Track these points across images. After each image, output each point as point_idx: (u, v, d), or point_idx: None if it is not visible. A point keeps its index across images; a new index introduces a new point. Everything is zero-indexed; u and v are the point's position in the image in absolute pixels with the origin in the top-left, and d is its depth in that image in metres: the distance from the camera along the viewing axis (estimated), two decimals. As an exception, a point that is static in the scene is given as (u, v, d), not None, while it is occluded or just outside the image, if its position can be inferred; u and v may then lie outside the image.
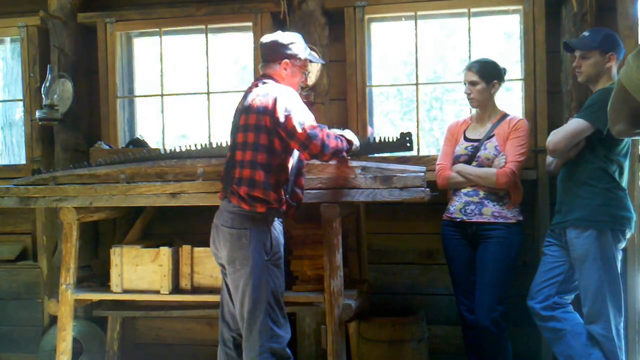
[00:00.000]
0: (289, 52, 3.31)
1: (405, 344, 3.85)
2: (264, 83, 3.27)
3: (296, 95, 3.23)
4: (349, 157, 3.47)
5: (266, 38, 3.36)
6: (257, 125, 3.14)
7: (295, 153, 3.27)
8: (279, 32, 3.46)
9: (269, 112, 3.12)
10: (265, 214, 3.15)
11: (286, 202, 3.22)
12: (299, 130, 3.09)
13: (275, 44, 3.31)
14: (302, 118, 3.12)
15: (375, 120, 4.74)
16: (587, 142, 3.46)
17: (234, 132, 3.29)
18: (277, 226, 3.26)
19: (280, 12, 4.41)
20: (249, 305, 3.13)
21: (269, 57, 3.33)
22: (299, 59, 3.34)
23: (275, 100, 3.12)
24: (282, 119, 3.10)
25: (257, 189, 3.11)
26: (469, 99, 3.82)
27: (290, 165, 3.24)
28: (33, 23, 4.84)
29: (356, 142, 3.45)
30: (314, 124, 3.16)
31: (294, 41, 3.33)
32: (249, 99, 3.22)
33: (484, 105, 3.80)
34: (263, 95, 3.16)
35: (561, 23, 4.14)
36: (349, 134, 3.44)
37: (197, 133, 6.82)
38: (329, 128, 3.50)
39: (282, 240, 3.29)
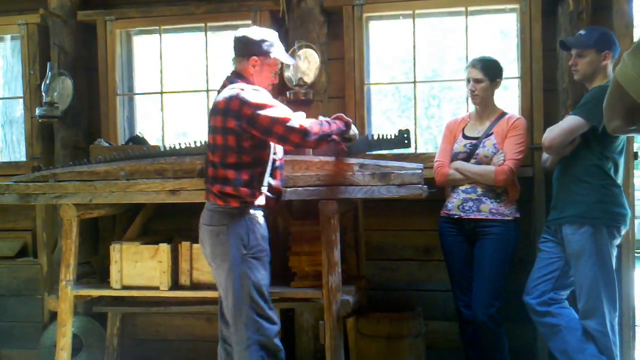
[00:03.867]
0: (258, 49, 3.27)
1: (403, 339, 3.88)
2: (232, 82, 3.25)
3: (262, 92, 3.21)
4: (342, 142, 3.42)
5: (239, 32, 3.32)
6: (223, 128, 3.14)
7: (270, 146, 3.26)
8: (254, 27, 3.41)
9: (235, 113, 3.10)
10: (240, 208, 3.17)
11: (264, 195, 3.24)
12: (273, 125, 3.09)
13: (246, 39, 3.27)
14: (273, 113, 3.10)
15: (374, 118, 4.75)
16: (583, 139, 3.49)
17: (208, 133, 3.31)
18: (258, 219, 3.26)
19: (279, 10, 4.43)
20: (232, 300, 3.18)
21: (239, 52, 3.30)
22: (269, 57, 3.29)
23: (240, 102, 3.10)
24: (253, 119, 3.09)
25: (228, 186, 3.14)
26: (472, 95, 3.84)
27: (265, 160, 3.23)
28: (33, 21, 4.86)
29: (354, 128, 3.42)
30: (287, 115, 3.13)
31: (267, 39, 3.29)
32: (216, 100, 3.22)
33: (485, 102, 3.83)
34: (228, 97, 3.15)
35: (557, 22, 4.17)
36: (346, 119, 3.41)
37: (196, 130, 6.86)
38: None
39: (264, 233, 3.29)
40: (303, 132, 3.11)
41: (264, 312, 3.20)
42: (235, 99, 3.12)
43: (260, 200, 3.23)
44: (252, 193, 3.17)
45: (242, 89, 3.15)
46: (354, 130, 3.42)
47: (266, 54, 3.28)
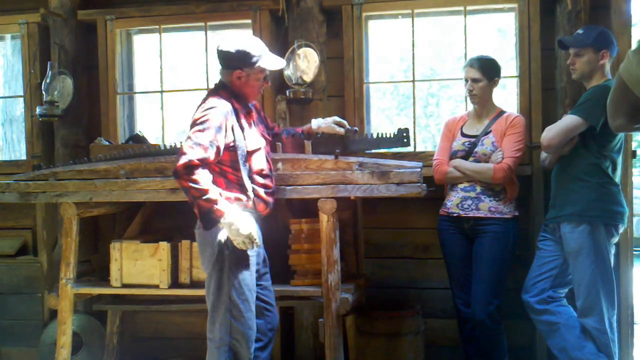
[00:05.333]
0: (241, 62, 3.22)
1: (402, 337, 3.90)
2: (215, 91, 3.27)
3: (210, 112, 3.12)
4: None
5: (219, 45, 3.26)
6: None
7: (239, 156, 3.22)
8: (234, 36, 3.30)
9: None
10: None
11: (250, 199, 3.24)
12: (183, 145, 3.06)
13: (226, 54, 3.22)
14: (191, 135, 3.06)
15: (372, 116, 4.77)
16: (581, 138, 3.50)
17: None
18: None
19: (278, 9, 4.45)
20: (211, 299, 3.20)
21: (223, 65, 3.29)
22: (254, 67, 3.24)
23: (193, 118, 3.14)
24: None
25: None
26: (470, 95, 3.85)
27: (231, 169, 3.20)
28: (33, 20, 4.87)
29: (236, 235, 3.06)
30: (187, 149, 3.01)
31: (248, 50, 3.21)
32: None
33: (483, 101, 3.84)
34: (195, 110, 3.19)
35: (555, 21, 4.18)
36: (236, 222, 3.05)
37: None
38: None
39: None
40: (176, 168, 3.01)
41: (241, 314, 3.18)
42: (194, 113, 3.17)
43: (248, 204, 3.24)
44: (233, 197, 3.17)
45: (202, 106, 3.17)
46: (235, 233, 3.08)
47: (250, 65, 3.23)
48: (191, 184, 2.99)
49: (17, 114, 5.32)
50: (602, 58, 3.54)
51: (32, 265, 4.94)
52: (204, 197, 3.00)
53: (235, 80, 3.26)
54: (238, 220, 3.05)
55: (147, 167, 3.77)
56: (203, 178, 3.01)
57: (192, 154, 3.00)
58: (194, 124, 3.10)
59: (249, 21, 4.57)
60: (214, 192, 3.03)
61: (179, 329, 4.81)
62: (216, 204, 3.01)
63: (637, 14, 4.81)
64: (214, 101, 3.19)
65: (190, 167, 2.99)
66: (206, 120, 3.09)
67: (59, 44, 4.72)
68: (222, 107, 3.17)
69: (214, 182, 3.10)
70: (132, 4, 4.84)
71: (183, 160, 2.99)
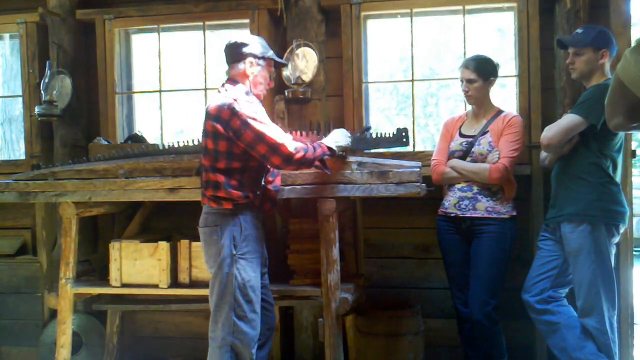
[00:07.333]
0: (253, 50, 3.28)
1: (402, 337, 3.90)
2: (226, 89, 3.25)
3: (255, 105, 3.18)
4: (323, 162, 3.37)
5: (229, 40, 3.32)
6: (214, 133, 3.13)
7: None
8: (242, 34, 3.41)
9: (224, 122, 3.09)
10: (233, 209, 3.17)
11: (257, 198, 3.25)
12: (257, 143, 3.07)
13: (239, 43, 3.27)
14: (261, 130, 3.07)
15: (372, 116, 4.77)
16: (581, 138, 3.49)
17: (202, 136, 3.31)
18: (252, 221, 3.26)
19: (277, 8, 4.44)
20: (215, 298, 3.20)
21: (234, 57, 3.29)
22: (262, 58, 3.30)
23: (231, 112, 3.08)
24: (239, 132, 3.07)
25: (220, 190, 3.15)
26: (466, 96, 3.85)
27: (255, 165, 3.21)
28: (32, 19, 4.87)
29: (343, 142, 3.39)
30: (273, 136, 3.09)
31: (255, 41, 3.32)
32: (209, 105, 3.20)
33: (480, 101, 3.83)
34: (220, 104, 3.12)
35: (555, 20, 4.18)
36: (330, 139, 3.36)
37: (194, 129, 6.87)
38: (318, 127, 3.53)
39: (258, 234, 3.28)
40: (286, 156, 3.08)
41: (245, 314, 3.18)
42: (226, 108, 3.10)
43: (254, 203, 3.24)
44: (244, 195, 3.17)
45: (236, 99, 3.12)
46: (339, 146, 3.38)
47: (261, 55, 3.29)
48: (309, 159, 3.17)
49: (16, 114, 5.32)
50: (602, 57, 3.53)
51: (31, 265, 4.95)
52: (318, 157, 3.23)
53: (246, 71, 3.28)
54: (339, 136, 3.40)
55: (146, 166, 3.78)
56: (302, 153, 3.13)
57: (287, 142, 3.11)
58: (253, 120, 3.09)
59: (247, 21, 4.57)
60: (317, 150, 3.21)
61: (178, 329, 4.81)
62: (323, 152, 3.25)
63: (636, 14, 4.81)
64: (242, 94, 3.21)
65: (288, 157, 3.09)
66: (258, 111, 3.16)
67: (57, 44, 4.72)
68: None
69: (229, 183, 3.14)
70: (131, 4, 4.84)
71: (295, 154, 3.10)
